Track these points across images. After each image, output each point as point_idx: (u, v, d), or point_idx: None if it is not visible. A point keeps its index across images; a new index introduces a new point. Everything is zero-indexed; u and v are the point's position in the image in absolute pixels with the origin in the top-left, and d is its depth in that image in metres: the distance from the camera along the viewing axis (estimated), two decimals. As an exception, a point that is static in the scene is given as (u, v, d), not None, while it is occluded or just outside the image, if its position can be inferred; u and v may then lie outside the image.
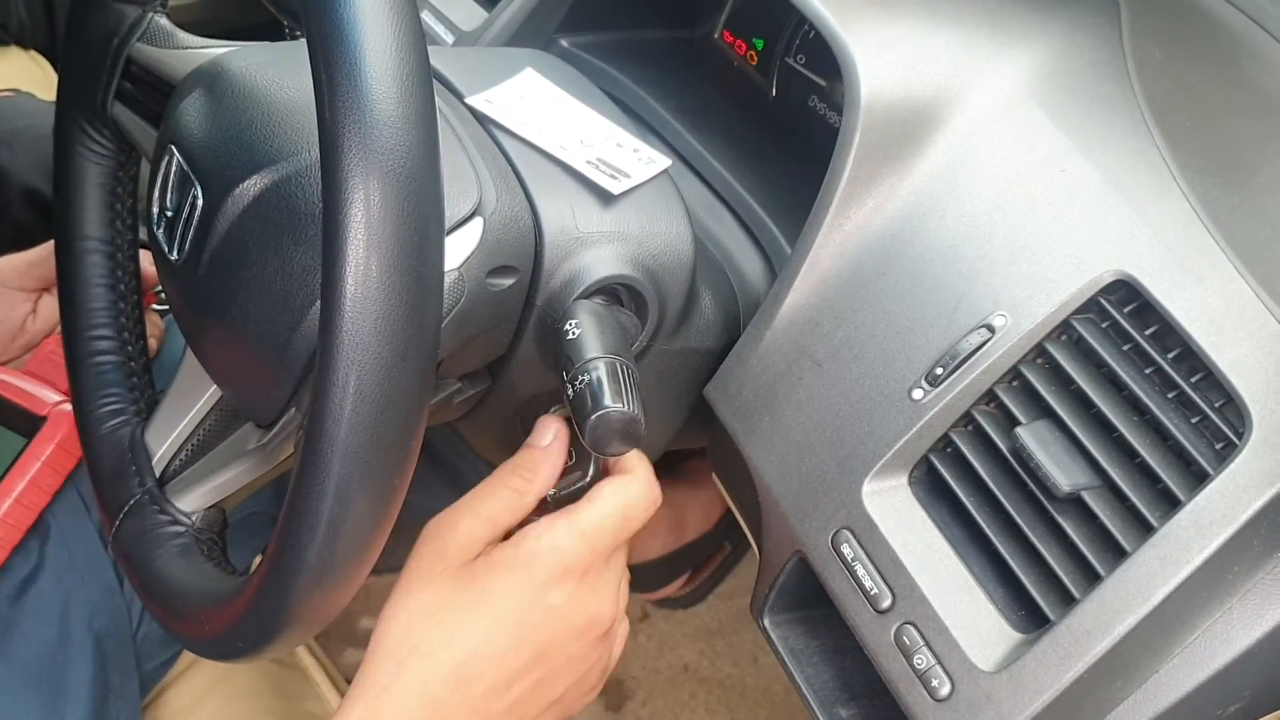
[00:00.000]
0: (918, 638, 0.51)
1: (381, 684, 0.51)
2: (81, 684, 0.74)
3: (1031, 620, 0.50)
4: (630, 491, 0.56)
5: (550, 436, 0.57)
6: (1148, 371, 0.51)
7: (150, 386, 0.66)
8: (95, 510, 0.74)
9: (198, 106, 0.55)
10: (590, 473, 0.59)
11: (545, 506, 0.61)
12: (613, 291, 0.58)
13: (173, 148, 0.55)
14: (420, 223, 0.40)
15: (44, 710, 0.71)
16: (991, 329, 0.53)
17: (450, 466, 1.05)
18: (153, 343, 0.72)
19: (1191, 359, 0.50)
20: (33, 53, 1.24)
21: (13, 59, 1.22)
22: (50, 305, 0.77)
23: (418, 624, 0.52)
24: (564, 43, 0.77)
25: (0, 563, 0.71)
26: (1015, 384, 0.53)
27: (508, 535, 0.56)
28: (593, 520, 0.54)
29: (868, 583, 0.53)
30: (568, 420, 0.58)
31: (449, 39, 0.80)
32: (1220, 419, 0.49)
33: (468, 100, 0.60)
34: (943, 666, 0.50)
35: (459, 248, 0.52)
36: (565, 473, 0.60)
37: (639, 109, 0.74)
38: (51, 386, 0.73)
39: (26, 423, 0.72)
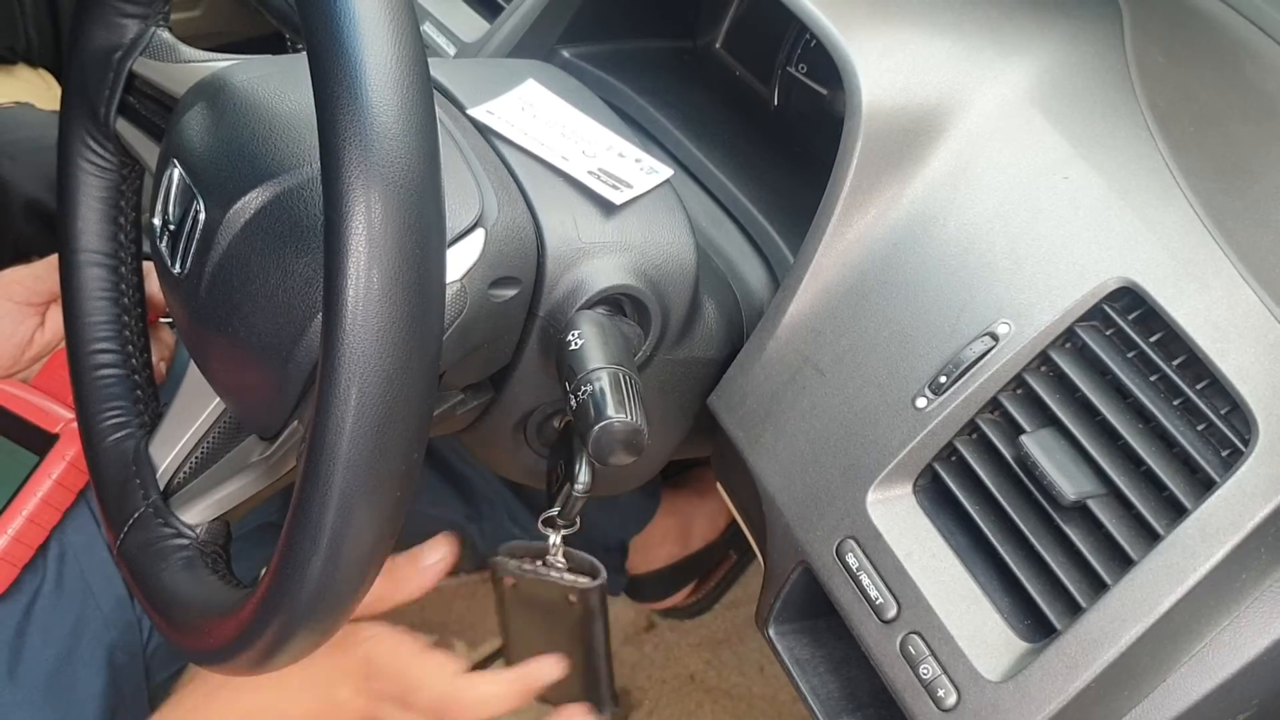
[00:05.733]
0: (923, 647, 0.50)
1: (189, 705, 0.60)
2: (93, 698, 0.74)
3: (1038, 629, 0.50)
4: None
5: (435, 558, 0.65)
6: (1153, 379, 0.51)
7: (154, 399, 0.66)
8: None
9: (199, 120, 0.55)
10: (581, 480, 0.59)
11: (554, 522, 0.61)
12: (615, 302, 0.57)
13: (175, 161, 0.55)
14: (422, 234, 0.40)
15: None
16: (995, 337, 0.53)
17: (460, 477, 1.05)
18: (160, 366, 0.73)
19: (1196, 366, 0.50)
20: (40, 70, 1.25)
21: (19, 75, 1.23)
22: (57, 318, 0.77)
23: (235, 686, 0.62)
24: (565, 53, 0.78)
25: (13, 579, 0.72)
26: (1019, 392, 0.53)
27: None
28: (428, 686, 0.63)
29: (873, 592, 0.52)
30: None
31: (450, 50, 0.80)
32: (1226, 426, 0.49)
33: (469, 111, 0.60)
34: (949, 676, 0.49)
35: (461, 259, 0.52)
36: (560, 485, 0.60)
37: (640, 119, 0.74)
38: (61, 401, 0.73)
39: (38, 440, 0.72)
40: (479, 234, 0.52)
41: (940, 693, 0.49)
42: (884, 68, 0.59)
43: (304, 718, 0.63)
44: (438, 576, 0.65)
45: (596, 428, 0.51)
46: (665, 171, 0.61)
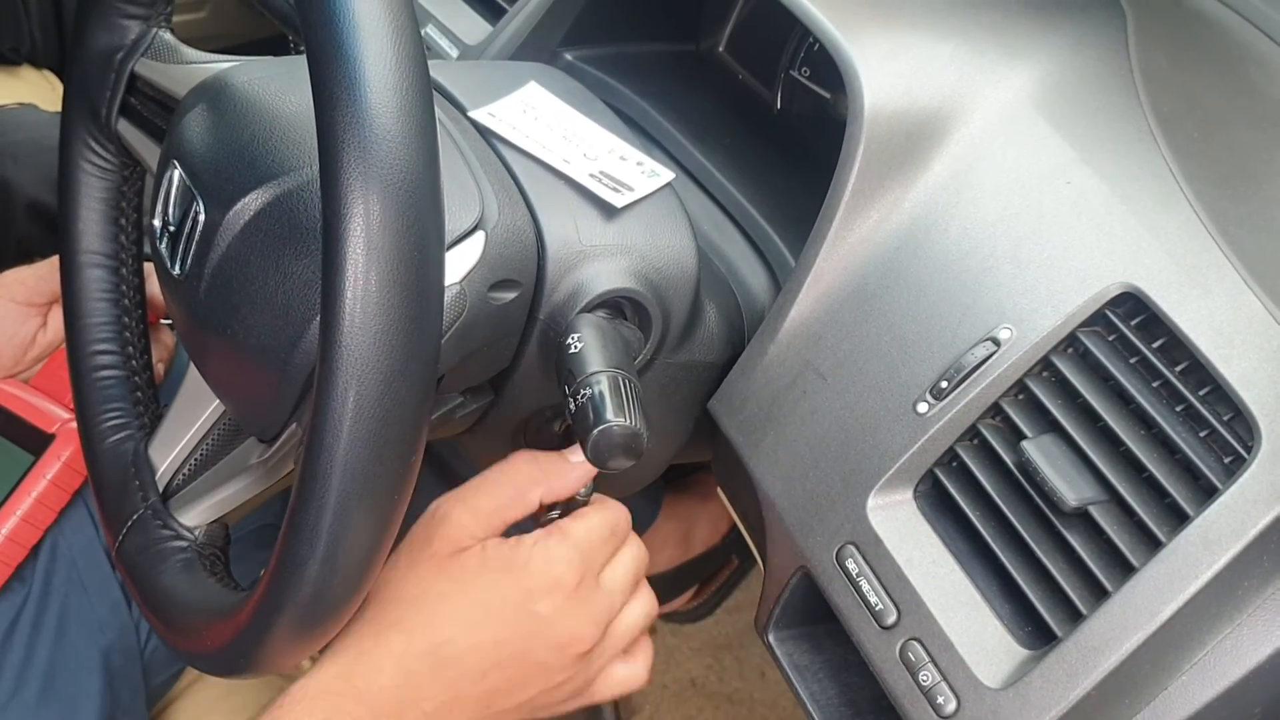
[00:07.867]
0: (923, 654, 0.50)
1: (361, 648, 0.53)
2: (88, 700, 0.73)
3: (1038, 637, 0.50)
4: (611, 509, 0.59)
5: (581, 457, 0.57)
6: (1155, 385, 0.51)
7: (154, 401, 0.66)
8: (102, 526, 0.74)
9: (200, 121, 0.55)
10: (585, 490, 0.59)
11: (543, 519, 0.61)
12: (616, 305, 0.57)
13: (175, 162, 0.55)
14: (420, 237, 0.40)
15: None
16: (997, 342, 0.53)
17: (459, 478, 1.05)
18: (159, 367, 0.73)
19: (1199, 372, 0.50)
20: (44, 71, 1.25)
21: (23, 75, 1.23)
22: (59, 318, 0.77)
23: (399, 603, 0.54)
24: (568, 56, 0.77)
25: (4, 580, 0.71)
26: (1021, 397, 0.53)
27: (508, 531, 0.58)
28: (582, 532, 0.57)
29: (873, 598, 0.52)
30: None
31: (453, 53, 0.80)
32: (1229, 433, 0.48)
33: (471, 114, 0.60)
34: (948, 683, 0.49)
35: (461, 261, 0.52)
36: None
37: (642, 122, 0.74)
38: (59, 402, 0.73)
39: (35, 439, 0.72)
40: (479, 236, 0.52)
41: (940, 700, 0.49)
42: (886, 71, 0.59)
43: (507, 640, 0.54)
44: (583, 480, 0.59)
45: (595, 431, 0.51)
46: (667, 174, 0.60)
